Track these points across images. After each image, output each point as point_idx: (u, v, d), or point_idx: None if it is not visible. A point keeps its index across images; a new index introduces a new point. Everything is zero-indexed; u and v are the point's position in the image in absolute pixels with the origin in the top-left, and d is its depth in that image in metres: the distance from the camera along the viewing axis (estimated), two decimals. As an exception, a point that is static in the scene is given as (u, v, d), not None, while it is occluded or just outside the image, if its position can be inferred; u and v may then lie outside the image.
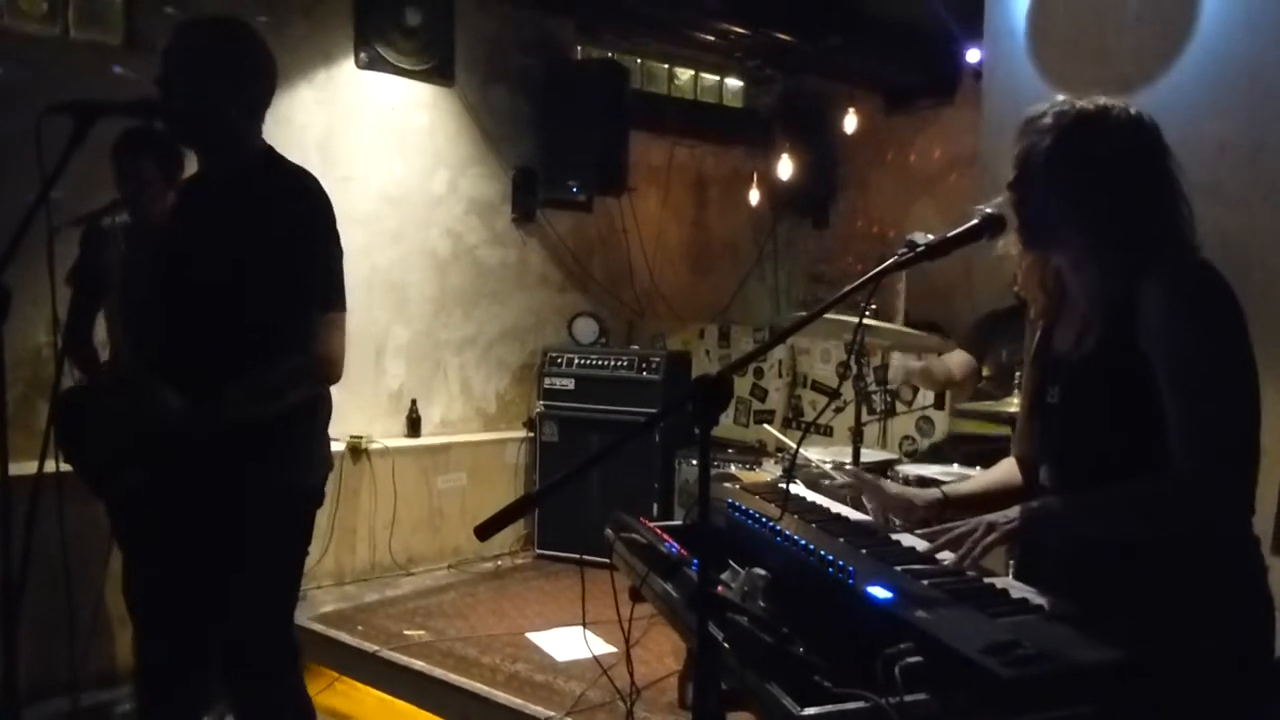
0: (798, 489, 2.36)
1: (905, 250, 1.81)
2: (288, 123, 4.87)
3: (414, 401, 5.60)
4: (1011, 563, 2.18)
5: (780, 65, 6.82)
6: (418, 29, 5.39)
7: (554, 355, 5.84)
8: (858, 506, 2.24)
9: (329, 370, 2.44)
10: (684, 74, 7.10)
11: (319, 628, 4.44)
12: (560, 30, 6.18)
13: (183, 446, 2.37)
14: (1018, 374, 3.58)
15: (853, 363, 4.18)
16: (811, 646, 1.46)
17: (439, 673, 3.94)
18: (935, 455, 4.44)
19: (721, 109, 7.36)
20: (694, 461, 5.36)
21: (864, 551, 1.82)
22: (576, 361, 5.76)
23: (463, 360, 5.90)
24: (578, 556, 5.24)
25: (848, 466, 3.80)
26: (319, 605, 4.75)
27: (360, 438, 5.20)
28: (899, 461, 4.29)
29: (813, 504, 2.23)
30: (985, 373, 4.35)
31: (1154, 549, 1.72)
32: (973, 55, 5.84)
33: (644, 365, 5.63)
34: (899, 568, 1.71)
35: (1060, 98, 1.82)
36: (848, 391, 4.82)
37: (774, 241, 7.54)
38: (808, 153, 6.97)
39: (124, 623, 2.79)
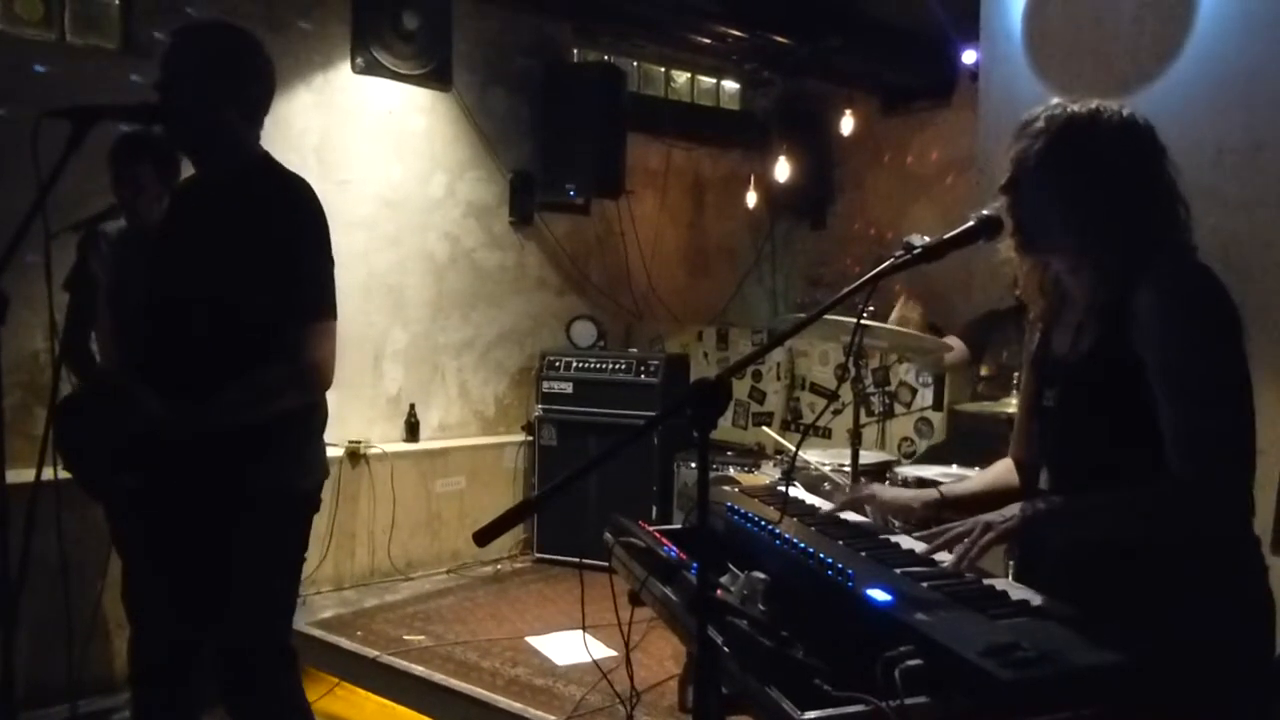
0: (797, 491, 2.36)
1: (902, 253, 1.81)
2: (286, 127, 4.87)
3: (412, 406, 5.60)
4: (1011, 564, 2.18)
5: (777, 67, 6.82)
6: (415, 33, 5.39)
7: (552, 358, 5.83)
8: (856, 509, 2.24)
9: (317, 378, 2.44)
10: (681, 77, 7.11)
11: (318, 633, 4.43)
12: (557, 33, 6.19)
13: (177, 451, 2.36)
14: (1016, 374, 3.58)
15: (851, 365, 4.18)
16: (811, 650, 1.45)
17: (439, 677, 3.93)
18: (934, 456, 4.43)
19: (718, 111, 7.37)
20: (693, 464, 5.36)
21: (863, 554, 1.81)
22: (574, 365, 5.76)
23: (461, 364, 5.89)
24: (577, 560, 5.24)
25: (843, 471, 3.80)
26: (318, 610, 4.74)
27: (359, 442, 5.19)
28: (897, 463, 4.29)
29: (812, 506, 2.23)
30: (984, 372, 4.35)
31: (1154, 550, 1.72)
32: (969, 57, 5.85)
33: (642, 368, 5.63)
34: (898, 570, 1.71)
35: (1055, 101, 1.83)
36: (846, 394, 4.83)
37: (771, 244, 7.54)
38: (805, 155, 6.97)
39: (122, 629, 2.79)
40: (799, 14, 5.91)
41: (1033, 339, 2.00)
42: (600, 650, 3.64)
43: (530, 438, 5.86)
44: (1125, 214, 1.74)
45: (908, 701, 1.31)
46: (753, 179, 7.14)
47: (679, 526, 2.31)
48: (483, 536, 1.47)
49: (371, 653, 4.19)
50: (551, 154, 6.01)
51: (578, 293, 6.43)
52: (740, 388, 6.17)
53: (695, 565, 1.73)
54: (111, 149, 3.44)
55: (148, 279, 2.61)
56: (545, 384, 5.79)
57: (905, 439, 5.47)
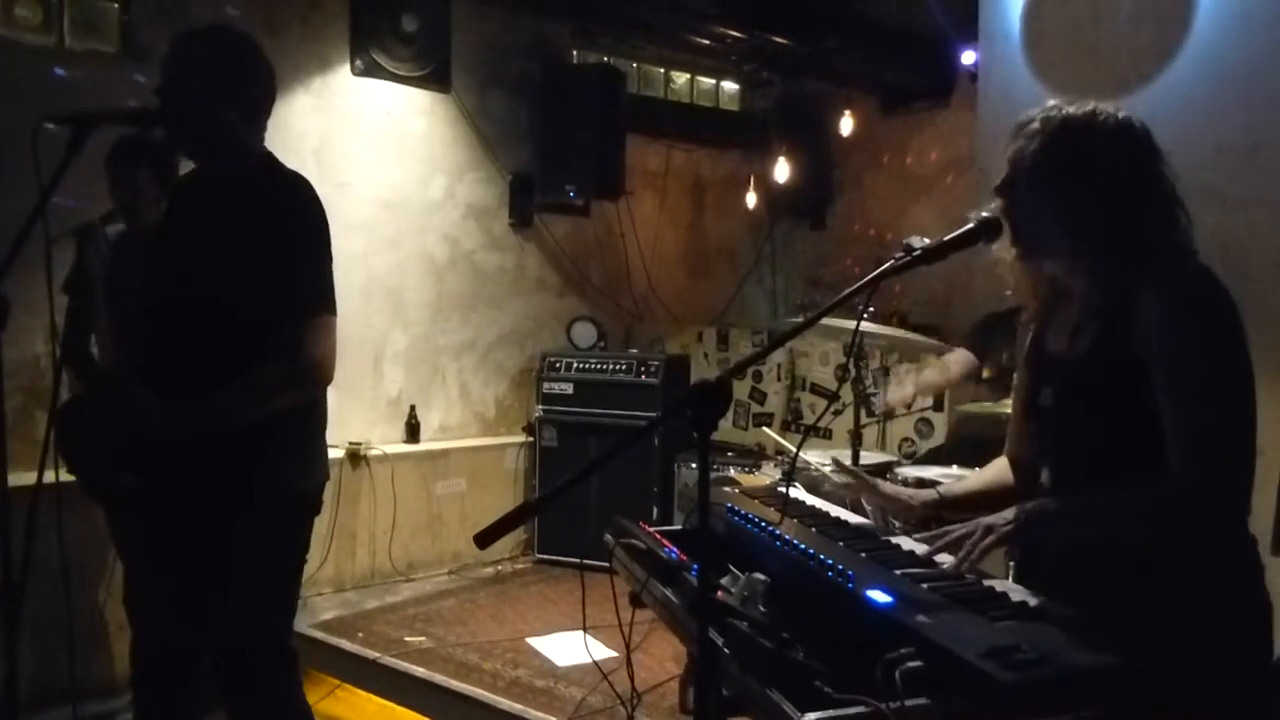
0: (797, 492, 2.36)
1: (902, 254, 1.82)
2: (285, 129, 4.87)
3: (413, 407, 5.60)
4: (1011, 564, 2.18)
5: (776, 68, 6.82)
6: (414, 35, 5.39)
7: (552, 360, 5.83)
8: (857, 509, 2.24)
9: (318, 375, 2.44)
10: (680, 77, 7.11)
11: (319, 635, 4.43)
12: (556, 35, 6.19)
13: (177, 452, 2.37)
14: (1015, 374, 3.58)
15: (851, 365, 4.19)
16: (811, 651, 1.45)
17: (440, 679, 3.93)
18: (934, 457, 4.44)
19: (718, 112, 7.37)
20: (694, 465, 5.36)
21: (863, 556, 1.81)
22: (575, 366, 5.76)
23: (461, 365, 5.90)
24: (578, 561, 5.24)
25: (846, 463, 3.81)
26: (319, 612, 4.74)
27: (359, 444, 5.20)
28: (898, 463, 4.29)
29: (812, 508, 2.23)
30: (985, 374, 4.35)
31: (1153, 551, 1.72)
32: (968, 57, 5.85)
33: (643, 369, 5.63)
34: (898, 572, 1.71)
35: (1052, 102, 1.83)
36: (846, 394, 4.83)
37: (771, 244, 7.54)
38: (804, 155, 6.97)
39: (124, 631, 2.79)
40: (798, 15, 5.92)
41: (1026, 339, 2.00)
42: (601, 651, 3.64)
43: (531, 439, 5.86)
44: (1120, 217, 1.74)
45: (908, 703, 1.31)
46: (752, 180, 7.14)
47: (679, 528, 2.31)
48: (484, 538, 1.47)
49: (372, 654, 4.19)
50: (551, 155, 6.01)
51: (578, 294, 6.43)
52: (741, 388, 6.17)
53: (696, 567, 1.73)
54: (109, 153, 3.44)
55: (147, 278, 2.62)
56: (546, 385, 5.79)
57: (906, 439, 5.47)
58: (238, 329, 2.37)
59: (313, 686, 3.78)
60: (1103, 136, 1.77)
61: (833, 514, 2.18)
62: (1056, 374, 1.86)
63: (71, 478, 3.38)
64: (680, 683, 3.61)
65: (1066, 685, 1.33)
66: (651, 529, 2.08)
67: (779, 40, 5.96)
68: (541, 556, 5.69)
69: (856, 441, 3.85)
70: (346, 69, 5.27)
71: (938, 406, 5.30)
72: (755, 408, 6.18)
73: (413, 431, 5.57)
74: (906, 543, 1.93)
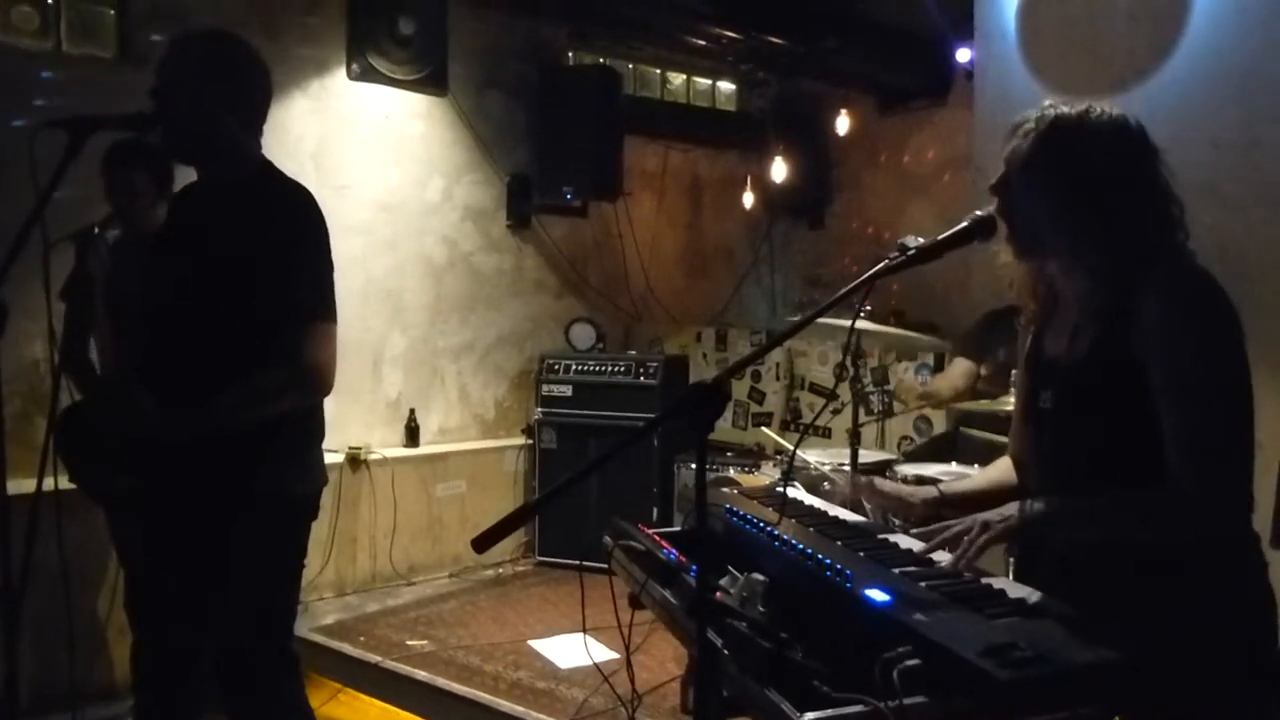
0: (796, 492, 2.36)
1: (897, 254, 1.82)
2: (283, 133, 4.87)
3: (412, 410, 5.60)
4: (1010, 563, 2.18)
5: (773, 68, 6.83)
6: (410, 38, 5.39)
7: (551, 361, 5.84)
8: (856, 509, 2.24)
9: (317, 381, 2.43)
10: (677, 78, 7.11)
11: (321, 639, 4.44)
12: (553, 37, 6.20)
13: (176, 456, 2.37)
14: (1014, 372, 3.59)
15: (849, 364, 4.19)
16: (810, 651, 1.46)
17: (441, 682, 3.94)
18: (934, 454, 4.44)
19: (715, 112, 7.37)
20: (693, 466, 5.36)
21: (862, 555, 1.82)
22: (574, 367, 5.76)
23: (460, 368, 5.90)
24: (578, 563, 5.24)
25: (844, 467, 3.81)
26: (320, 616, 4.74)
27: (359, 448, 5.20)
28: (897, 461, 4.29)
29: (810, 507, 2.23)
30: (983, 371, 4.36)
31: (1152, 549, 1.72)
32: (964, 56, 5.85)
33: (642, 370, 5.64)
34: (896, 570, 1.71)
35: (1048, 102, 1.83)
36: (845, 393, 4.83)
37: (769, 244, 7.54)
38: (802, 155, 6.97)
39: (124, 635, 2.80)
40: (794, 14, 5.92)
41: (1025, 340, 2.00)
42: (602, 653, 3.65)
43: (530, 441, 5.86)
44: (1115, 215, 1.74)
45: (906, 702, 1.31)
46: (750, 180, 7.15)
47: (678, 529, 2.32)
48: (481, 543, 1.48)
49: (374, 658, 4.20)
50: (548, 157, 6.02)
51: (576, 295, 6.44)
52: (740, 388, 6.18)
53: (694, 568, 1.73)
54: (104, 157, 3.44)
55: (147, 284, 2.62)
56: (545, 387, 5.79)
57: (905, 438, 5.47)
58: (237, 335, 2.37)
59: (315, 691, 3.78)
60: (1097, 135, 1.77)
61: (831, 513, 2.19)
62: (1055, 377, 1.86)
63: (72, 484, 3.39)
64: (681, 684, 3.61)
65: (1064, 682, 1.33)
66: (650, 530, 2.08)
67: (775, 40, 5.96)
68: (542, 559, 5.70)
69: (855, 440, 3.85)
70: (344, 72, 5.27)
71: (937, 406, 5.30)
72: (754, 407, 6.19)
73: (412, 434, 5.58)
74: (905, 541, 1.93)
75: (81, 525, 3.76)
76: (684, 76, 7.13)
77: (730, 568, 1.79)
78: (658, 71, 7.00)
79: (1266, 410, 1.70)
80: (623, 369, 5.67)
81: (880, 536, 1.98)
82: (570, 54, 6.41)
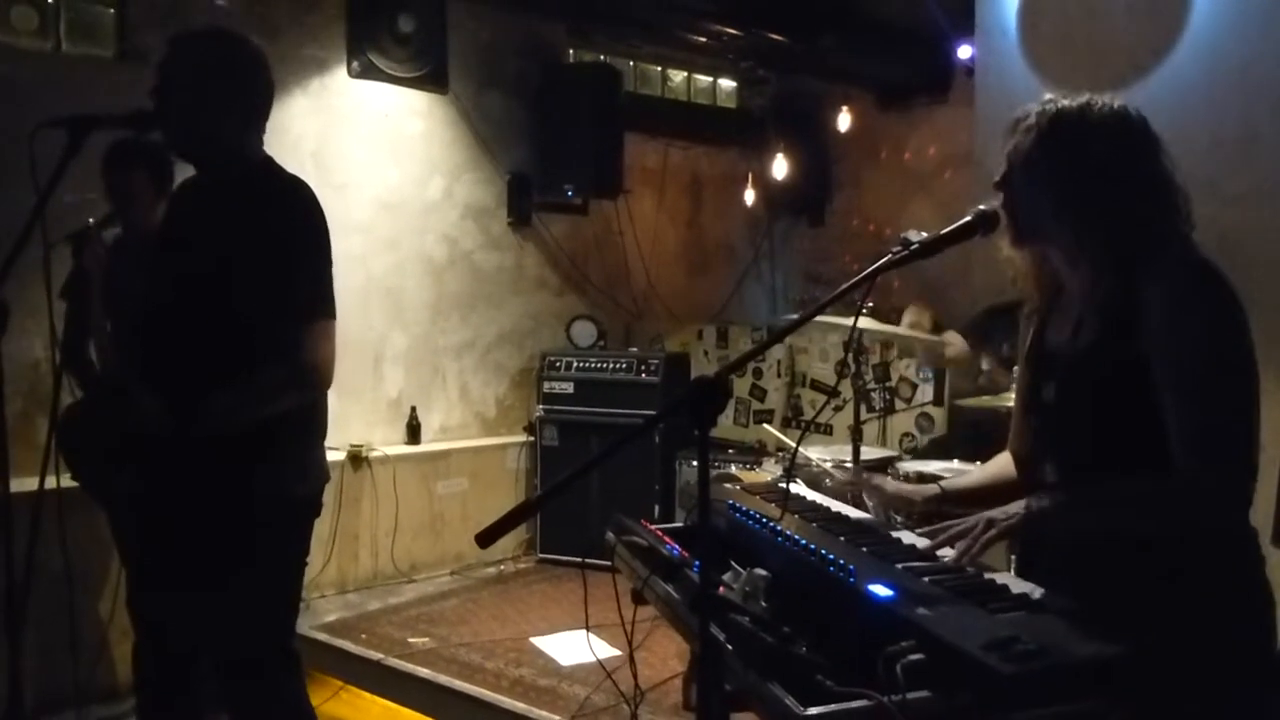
0: (798, 488, 2.36)
1: (899, 249, 1.82)
2: (283, 132, 4.87)
3: (413, 408, 5.60)
4: (1013, 558, 2.18)
5: (773, 65, 6.82)
6: (410, 36, 5.40)
7: (552, 359, 5.84)
8: (858, 505, 2.24)
9: (316, 378, 2.43)
10: (677, 76, 7.11)
11: (323, 637, 4.44)
12: (553, 35, 6.20)
13: (176, 454, 2.36)
14: (1016, 368, 3.59)
15: (851, 361, 4.19)
16: (813, 646, 1.46)
17: (443, 679, 3.94)
18: (935, 449, 4.44)
19: (715, 110, 7.37)
20: (694, 462, 5.36)
21: (864, 550, 1.82)
22: (575, 365, 5.76)
23: (461, 366, 5.90)
24: (580, 560, 5.24)
25: (847, 464, 3.81)
26: (322, 614, 4.75)
27: (360, 446, 5.20)
28: (899, 458, 4.29)
29: (813, 503, 2.23)
30: (984, 366, 4.35)
31: (1154, 544, 1.72)
32: (965, 52, 5.85)
33: (643, 367, 5.64)
34: (899, 565, 1.72)
35: (1048, 96, 1.83)
36: (846, 390, 4.83)
37: (770, 241, 7.54)
38: (802, 152, 6.97)
39: (127, 636, 2.80)
40: (794, 11, 5.92)
41: (1028, 333, 2.00)
42: (604, 649, 3.65)
43: (532, 438, 5.86)
44: (1119, 207, 1.74)
45: (909, 696, 1.31)
46: (750, 177, 7.14)
47: (681, 525, 2.31)
48: (485, 538, 1.47)
49: (376, 655, 4.20)
50: (549, 155, 6.02)
51: (577, 293, 6.44)
52: (741, 385, 6.18)
53: (697, 563, 1.74)
54: (104, 157, 3.43)
55: (146, 281, 2.62)
56: (546, 384, 5.79)
57: (906, 434, 5.47)
58: (237, 332, 2.37)
59: (316, 689, 3.79)
60: (1098, 127, 1.76)
61: (833, 509, 2.19)
62: (1059, 368, 1.86)
63: (74, 483, 3.39)
64: (683, 680, 3.62)
65: (1067, 676, 1.34)
66: (653, 526, 2.08)
67: (775, 37, 5.96)
68: (543, 556, 5.70)
69: (857, 437, 3.86)
70: (344, 71, 5.27)
71: (938, 401, 5.31)
72: (756, 405, 6.19)
73: (413, 432, 5.58)
74: (907, 537, 1.94)
75: (84, 524, 3.76)
76: (684, 74, 7.13)
77: (733, 563, 1.79)
78: (658, 69, 7.00)
79: (1265, 407, 1.70)
80: (624, 366, 5.67)
81: (883, 532, 1.98)
82: (570, 52, 6.42)
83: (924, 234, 1.82)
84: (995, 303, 4.18)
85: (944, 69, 6.39)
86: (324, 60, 5.20)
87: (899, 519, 2.17)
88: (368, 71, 5.32)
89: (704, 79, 7.25)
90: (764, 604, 1.61)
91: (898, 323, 4.74)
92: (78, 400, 3.53)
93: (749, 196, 7.19)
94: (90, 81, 4.37)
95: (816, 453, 4.21)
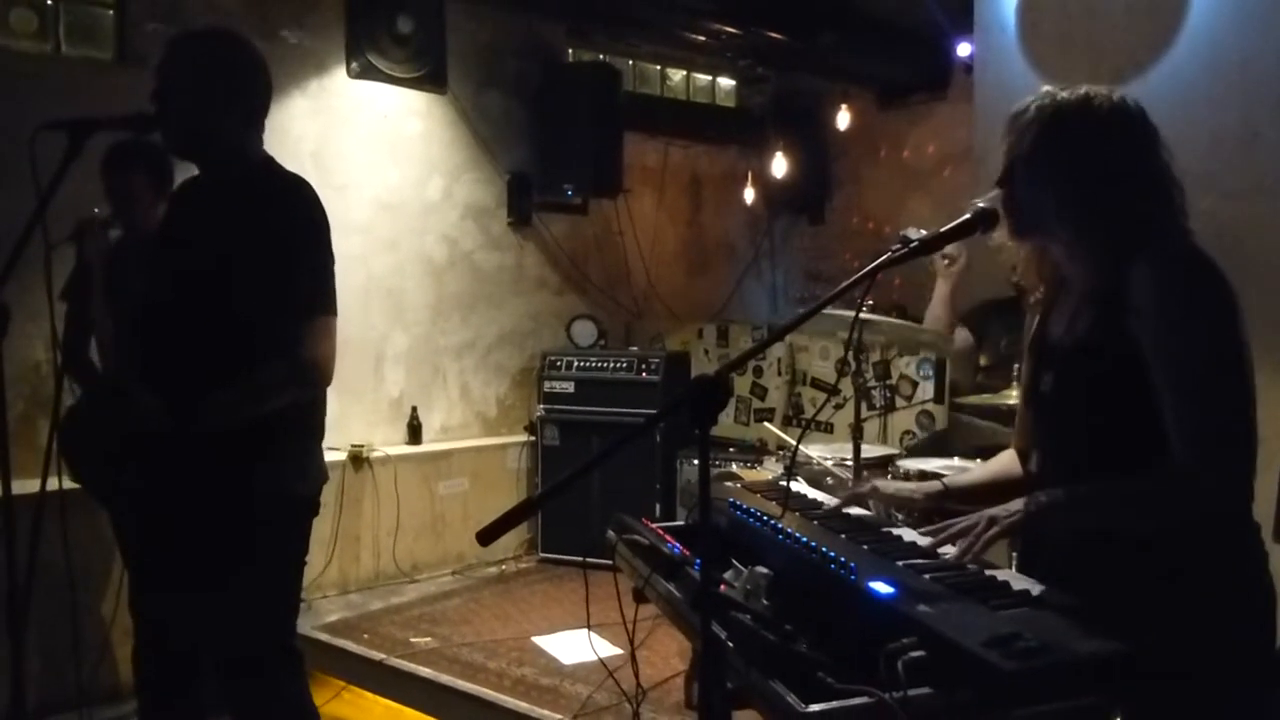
0: (799, 486, 2.36)
1: (899, 246, 1.82)
2: (282, 133, 4.87)
3: (414, 409, 5.61)
4: (1015, 555, 2.18)
5: (772, 64, 6.82)
6: (409, 37, 5.40)
7: (553, 358, 5.84)
8: (860, 504, 2.24)
9: (316, 375, 2.43)
10: (676, 75, 7.11)
11: (325, 637, 4.44)
12: (552, 34, 6.20)
13: (176, 453, 2.37)
14: (1016, 365, 3.59)
15: (851, 359, 4.18)
16: (815, 643, 1.46)
17: (446, 679, 3.94)
18: (935, 446, 4.44)
19: (715, 109, 7.37)
20: (695, 461, 5.36)
21: (865, 547, 1.82)
22: (576, 364, 5.76)
23: (462, 366, 5.90)
24: (581, 559, 5.24)
25: (847, 461, 3.81)
26: (324, 614, 4.75)
27: (361, 446, 5.20)
28: (900, 456, 4.29)
29: (814, 501, 2.24)
30: (983, 362, 4.35)
31: (1154, 541, 1.72)
32: (964, 50, 5.85)
33: (643, 366, 5.64)
34: (900, 563, 1.72)
35: (1045, 89, 1.83)
36: (847, 388, 4.83)
37: (770, 240, 7.54)
38: (802, 150, 6.97)
39: (130, 637, 2.80)
40: (793, 10, 5.92)
41: (1033, 324, 2.00)
42: (606, 648, 3.64)
43: (533, 438, 5.86)
44: (1118, 199, 1.74)
45: (911, 693, 1.31)
46: (750, 175, 7.15)
47: (682, 523, 2.32)
48: (486, 536, 1.48)
49: (378, 655, 4.20)
50: (548, 155, 6.02)
51: (577, 292, 6.44)
52: (742, 384, 6.17)
53: (698, 561, 1.74)
54: (102, 160, 3.43)
55: (148, 280, 2.62)
56: (547, 384, 5.79)
57: (907, 432, 5.47)
58: (238, 330, 2.37)
59: (319, 689, 3.79)
60: (1097, 120, 1.77)
61: (834, 507, 2.19)
62: (1056, 359, 1.86)
63: (76, 485, 3.39)
64: (685, 678, 3.62)
65: (1068, 673, 1.34)
66: (654, 525, 2.08)
67: (774, 36, 5.96)
68: (545, 555, 5.70)
69: (858, 435, 3.85)
70: (343, 71, 5.27)
71: (939, 399, 5.30)
72: (756, 403, 6.18)
73: (414, 432, 5.58)
74: (908, 534, 1.94)
75: (86, 526, 3.77)
76: (683, 73, 7.14)
77: (734, 561, 1.79)
78: (657, 68, 7.00)
79: (1266, 402, 1.70)
80: (624, 365, 5.67)
81: (884, 530, 1.98)
82: (569, 51, 6.42)
83: (924, 231, 1.82)
84: (992, 298, 4.18)
85: (943, 67, 6.40)
86: (323, 61, 5.20)
87: (900, 517, 2.17)
88: (367, 72, 5.32)
89: (703, 78, 7.26)
90: (765, 602, 1.61)
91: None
92: (79, 402, 3.53)
93: (749, 195, 7.19)
94: (89, 83, 4.38)
95: (817, 451, 4.21)
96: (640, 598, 1.95)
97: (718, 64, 7.07)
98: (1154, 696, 1.43)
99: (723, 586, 1.67)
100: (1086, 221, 1.77)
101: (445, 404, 5.83)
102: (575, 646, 4.21)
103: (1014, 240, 1.86)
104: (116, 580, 3.97)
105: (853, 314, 2.01)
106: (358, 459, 5.17)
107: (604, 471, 5.14)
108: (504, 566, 5.63)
